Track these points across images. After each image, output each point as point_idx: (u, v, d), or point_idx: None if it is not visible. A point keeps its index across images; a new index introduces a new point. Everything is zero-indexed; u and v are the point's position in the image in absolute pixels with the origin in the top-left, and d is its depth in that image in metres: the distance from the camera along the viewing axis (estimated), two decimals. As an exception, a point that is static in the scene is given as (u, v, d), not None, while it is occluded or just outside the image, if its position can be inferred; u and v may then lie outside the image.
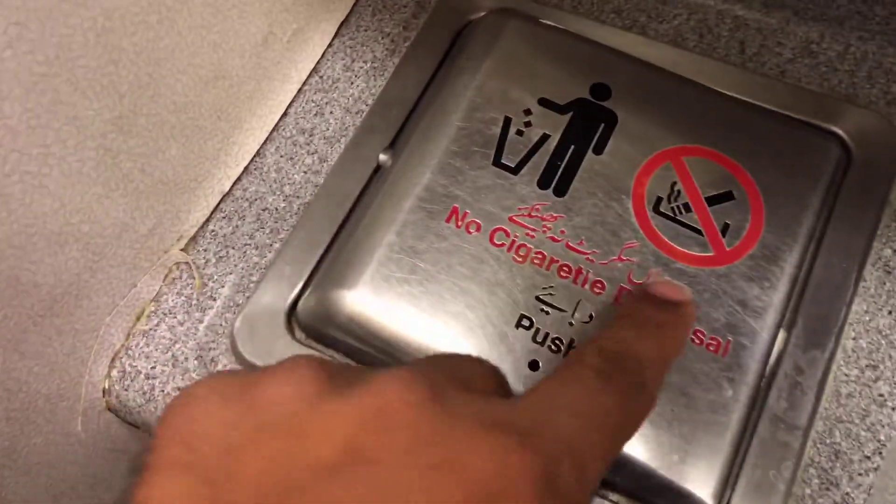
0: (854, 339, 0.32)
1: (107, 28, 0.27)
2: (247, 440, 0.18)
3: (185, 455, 0.18)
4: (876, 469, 0.31)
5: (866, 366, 0.32)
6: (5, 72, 0.24)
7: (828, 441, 0.31)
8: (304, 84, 0.41)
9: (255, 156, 0.39)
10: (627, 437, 0.22)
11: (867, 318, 0.33)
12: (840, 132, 0.36)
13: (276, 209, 0.38)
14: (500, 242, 0.33)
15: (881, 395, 0.31)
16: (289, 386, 0.19)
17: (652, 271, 0.32)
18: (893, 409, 0.31)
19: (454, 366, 0.23)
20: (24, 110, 0.25)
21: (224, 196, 0.38)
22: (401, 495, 0.17)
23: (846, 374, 0.32)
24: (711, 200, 0.34)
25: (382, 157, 0.37)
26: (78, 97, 0.27)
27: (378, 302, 0.32)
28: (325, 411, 0.18)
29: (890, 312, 0.33)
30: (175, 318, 0.36)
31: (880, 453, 0.31)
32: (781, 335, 0.32)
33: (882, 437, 0.31)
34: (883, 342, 0.32)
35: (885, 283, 0.33)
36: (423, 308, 0.32)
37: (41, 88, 0.26)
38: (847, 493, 0.30)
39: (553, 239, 0.33)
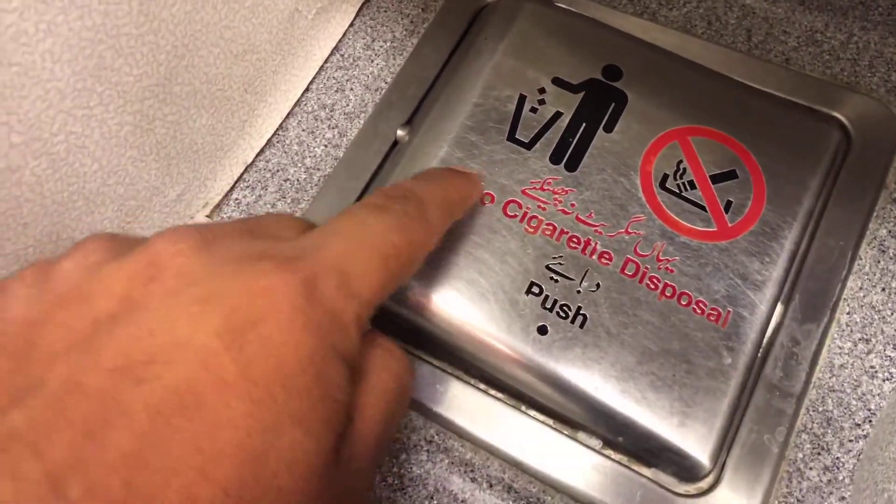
0: (848, 313, 0.34)
1: (148, -2, 0.29)
2: (43, 314, 0.20)
3: None
4: (865, 436, 0.32)
5: (859, 339, 0.34)
6: (58, 36, 0.26)
7: (820, 409, 0.33)
8: (326, 61, 0.42)
9: (278, 129, 0.41)
10: (405, 258, 0.24)
11: (861, 294, 0.34)
12: (841, 117, 0.38)
13: (297, 180, 0.39)
14: (512, 214, 0.34)
15: (872, 367, 0.33)
16: (76, 260, 0.21)
17: None
18: (884, 380, 0.33)
19: (253, 219, 0.25)
20: (73, 73, 0.27)
21: (248, 166, 0.40)
22: (167, 331, 0.19)
23: (840, 347, 0.34)
24: (715, 178, 0.35)
25: (400, 132, 0.39)
26: (121, 63, 0.29)
27: (396, 267, 0.34)
28: (103, 273, 0.20)
29: (883, 289, 0.34)
30: (200, 280, 0.38)
31: (870, 422, 0.32)
32: (779, 308, 0.34)
33: (872, 407, 0.32)
34: (876, 317, 0.34)
35: (879, 262, 0.35)
36: (438, 274, 0.33)
37: (88, 53, 0.27)
38: (837, 458, 0.32)
39: (563, 211, 0.34)
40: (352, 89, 0.42)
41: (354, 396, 0.22)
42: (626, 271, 0.33)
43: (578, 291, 0.33)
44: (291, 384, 0.19)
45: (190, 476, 0.17)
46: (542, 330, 0.33)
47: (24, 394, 0.18)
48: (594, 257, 0.34)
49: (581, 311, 0.33)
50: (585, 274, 0.33)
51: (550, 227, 0.34)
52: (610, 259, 0.34)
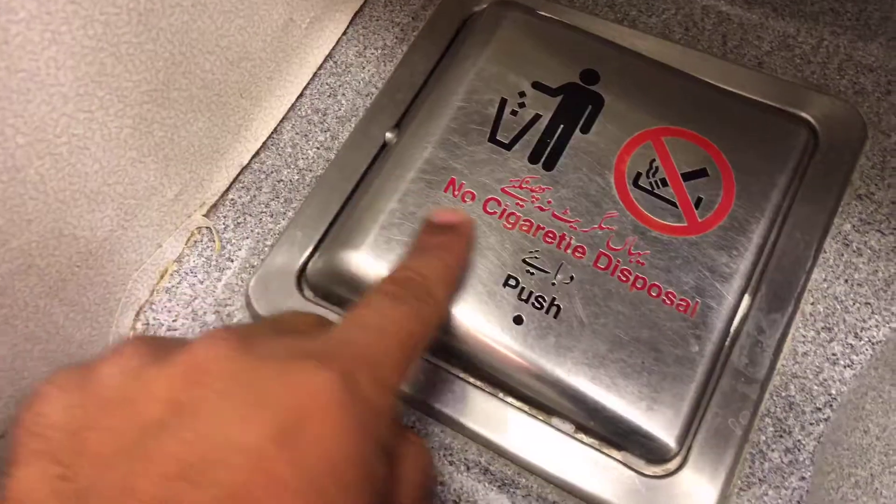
0: (812, 304, 0.36)
1: (148, 9, 0.31)
2: (88, 419, 0.21)
3: (37, 444, 0.21)
4: (826, 420, 0.34)
5: (822, 328, 0.35)
6: (62, 44, 0.28)
7: (783, 394, 0.34)
8: (320, 68, 0.44)
9: (272, 132, 0.43)
10: (419, 340, 0.26)
11: (825, 286, 0.36)
12: (809, 118, 0.39)
13: (291, 181, 0.42)
14: (492, 211, 0.36)
15: (834, 355, 0.35)
16: (116, 364, 0.22)
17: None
18: (845, 366, 0.34)
19: (275, 318, 0.27)
20: (75, 79, 0.29)
21: (243, 168, 0.42)
22: (219, 434, 0.19)
23: (803, 335, 0.35)
24: (687, 176, 0.37)
25: (389, 135, 0.41)
26: (121, 69, 0.31)
27: (380, 261, 0.36)
28: (147, 378, 0.21)
29: (846, 281, 0.36)
30: (196, 276, 0.40)
31: (831, 406, 0.34)
32: (746, 299, 0.35)
33: (833, 392, 0.34)
34: (838, 307, 0.35)
35: (842, 255, 0.36)
36: (421, 267, 0.35)
37: (90, 60, 0.29)
38: (798, 441, 0.33)
39: (540, 208, 0.36)
40: (344, 94, 0.44)
41: (387, 484, 0.23)
42: (598, 264, 0.35)
43: (553, 284, 0.35)
44: (343, 480, 0.20)
45: None
46: (518, 320, 0.34)
47: (76, 500, 0.19)
48: (569, 251, 0.35)
49: (555, 302, 0.34)
50: (560, 267, 0.35)
51: (528, 224, 0.36)
52: (584, 253, 0.35)
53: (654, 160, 0.37)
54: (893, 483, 0.42)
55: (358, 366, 0.22)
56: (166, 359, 0.21)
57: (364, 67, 0.44)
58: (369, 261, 0.36)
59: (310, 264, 0.38)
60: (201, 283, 0.40)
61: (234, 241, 0.40)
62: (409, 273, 0.29)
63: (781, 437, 0.33)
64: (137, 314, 0.39)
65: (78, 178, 0.32)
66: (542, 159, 0.37)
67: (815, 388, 0.34)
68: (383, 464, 0.22)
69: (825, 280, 0.36)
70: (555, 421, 0.34)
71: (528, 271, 0.35)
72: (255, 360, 0.21)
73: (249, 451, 0.19)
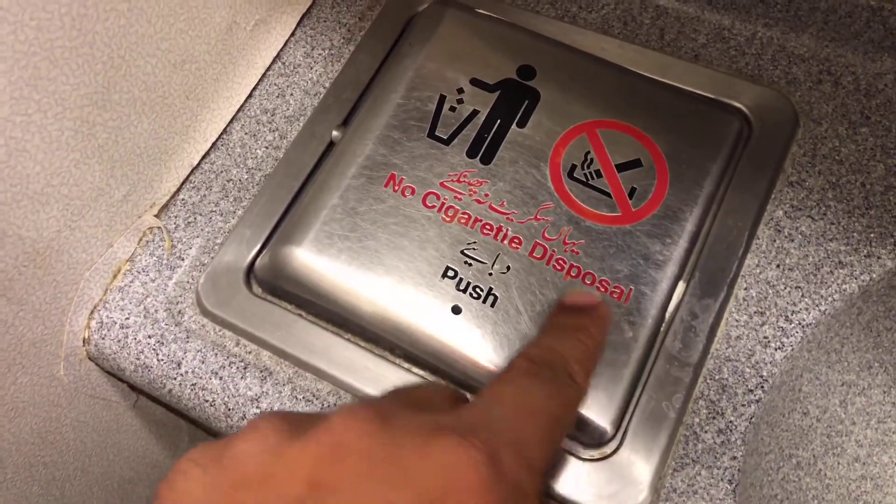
0: (745, 289, 0.37)
1: (81, 14, 0.32)
2: (226, 497, 0.20)
3: None
4: (758, 401, 0.35)
5: (754, 312, 0.36)
6: (-10, 48, 0.28)
7: (716, 377, 0.35)
8: (268, 69, 0.45)
9: (221, 133, 0.43)
10: (565, 423, 0.26)
11: (758, 271, 0.37)
12: (742, 108, 0.40)
13: (240, 180, 0.42)
14: (431, 205, 0.37)
15: (766, 338, 0.36)
16: (253, 441, 0.21)
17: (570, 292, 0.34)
18: (776, 349, 0.35)
19: (408, 391, 0.26)
20: (8, 83, 0.30)
21: (193, 168, 0.42)
22: None
23: (736, 320, 0.36)
24: (621, 167, 0.38)
25: (335, 133, 0.42)
26: (56, 73, 0.32)
27: (321, 256, 0.36)
28: (287, 456, 0.21)
29: (778, 266, 0.37)
30: (147, 275, 0.40)
31: (762, 387, 0.35)
32: (680, 285, 0.36)
33: (764, 374, 0.35)
34: (770, 291, 0.36)
35: (775, 241, 0.37)
36: (362, 261, 0.36)
37: (23, 64, 0.30)
38: (731, 422, 0.34)
39: (478, 201, 0.37)
40: (292, 94, 0.44)
41: None
42: (534, 254, 0.36)
43: (490, 274, 0.36)
44: None
45: None
46: (456, 310, 0.35)
47: None
48: (505, 242, 0.36)
49: (492, 292, 0.35)
50: (497, 258, 0.36)
51: (466, 216, 0.37)
52: (520, 243, 0.36)
53: (588, 152, 0.38)
54: (837, 464, 0.43)
55: (503, 445, 0.21)
56: (305, 436, 0.21)
57: (312, 68, 0.45)
58: (311, 256, 0.37)
59: (257, 261, 0.39)
60: (153, 281, 0.40)
61: (184, 240, 0.41)
62: (546, 351, 0.28)
63: (714, 418, 0.34)
64: (91, 314, 0.40)
65: (19, 179, 0.33)
66: (480, 153, 0.38)
67: (748, 370, 0.35)
68: None
69: (758, 265, 0.37)
70: (494, 408, 0.35)
71: (466, 262, 0.36)
72: (395, 437, 0.21)
73: None
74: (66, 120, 0.33)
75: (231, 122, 0.44)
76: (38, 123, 0.32)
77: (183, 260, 0.41)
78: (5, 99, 0.30)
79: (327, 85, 0.44)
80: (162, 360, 0.38)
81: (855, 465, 0.43)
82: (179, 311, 0.39)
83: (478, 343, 0.34)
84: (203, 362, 0.38)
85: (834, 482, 0.42)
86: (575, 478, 0.34)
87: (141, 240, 0.41)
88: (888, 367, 0.41)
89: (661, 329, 0.36)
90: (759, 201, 0.38)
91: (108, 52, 0.34)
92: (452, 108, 0.39)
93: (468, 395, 0.29)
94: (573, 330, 0.30)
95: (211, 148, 0.43)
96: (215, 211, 0.42)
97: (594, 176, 0.37)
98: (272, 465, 0.21)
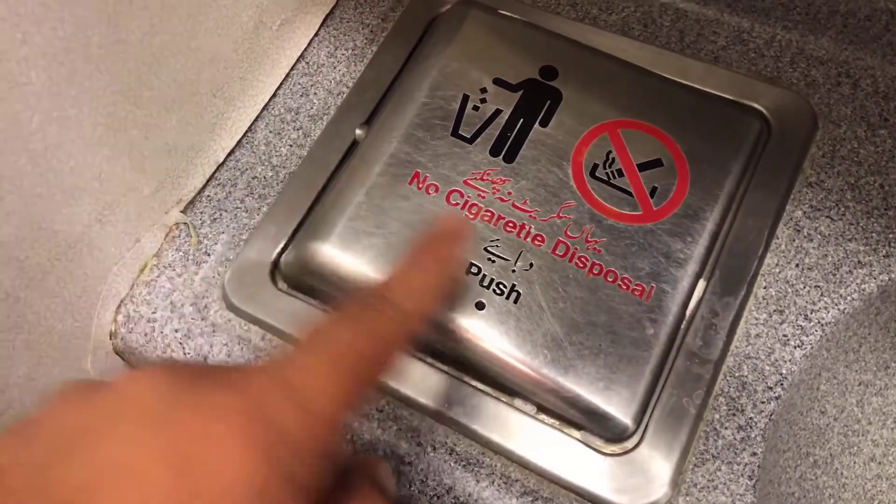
0: (765, 287, 0.37)
1: (117, 11, 0.33)
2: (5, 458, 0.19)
3: None
4: (777, 398, 0.35)
5: (774, 311, 0.37)
6: (33, 45, 0.29)
7: (736, 374, 0.35)
8: (292, 68, 0.46)
9: (246, 131, 0.44)
10: (367, 358, 0.22)
11: (777, 270, 0.37)
12: (762, 109, 0.41)
13: (265, 178, 0.43)
14: (455, 202, 0.38)
15: (785, 336, 0.36)
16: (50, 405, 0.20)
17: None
18: (795, 347, 0.36)
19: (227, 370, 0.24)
20: (47, 78, 0.31)
21: (219, 166, 0.43)
22: (111, 458, 0.18)
23: (756, 318, 0.36)
24: (642, 167, 0.38)
25: (358, 132, 0.42)
26: (92, 69, 0.32)
27: (347, 252, 0.37)
28: (62, 409, 0.20)
29: (797, 265, 0.37)
30: (174, 270, 0.41)
31: (782, 385, 0.35)
32: (701, 283, 0.37)
33: (784, 371, 0.35)
34: (789, 290, 0.37)
35: (794, 241, 0.38)
36: (386, 257, 0.37)
37: (61, 60, 0.31)
38: (751, 418, 0.35)
39: (501, 199, 0.38)
40: (316, 94, 0.45)
41: None
42: (557, 252, 0.36)
43: (513, 271, 0.36)
44: None
45: None
46: (480, 306, 0.36)
47: None
48: (528, 240, 0.37)
49: (515, 288, 0.36)
50: (520, 255, 0.36)
51: (489, 214, 0.37)
52: (542, 241, 0.37)
53: (610, 151, 0.38)
54: (853, 463, 0.43)
55: (274, 390, 0.20)
56: (91, 394, 0.20)
57: (335, 67, 0.46)
58: (337, 252, 0.37)
59: (282, 257, 0.40)
60: (179, 276, 0.41)
61: (210, 236, 0.42)
62: (368, 292, 0.25)
63: (734, 415, 0.35)
64: (118, 308, 0.41)
65: (54, 174, 0.33)
66: (503, 152, 0.39)
67: (767, 367, 0.35)
68: (295, 500, 0.19)
69: (777, 265, 0.37)
70: (517, 402, 0.36)
71: (489, 259, 0.36)
72: (174, 390, 0.20)
73: (137, 475, 0.18)
74: (99, 116, 0.34)
75: (256, 120, 0.44)
76: (74, 119, 0.33)
77: (209, 255, 0.41)
78: (44, 94, 0.31)
79: (350, 84, 0.45)
80: (188, 353, 0.39)
81: (871, 464, 0.43)
82: (205, 306, 0.40)
83: (501, 338, 0.35)
84: (229, 356, 0.39)
85: (850, 481, 0.42)
86: (597, 472, 0.34)
87: (168, 235, 0.42)
88: (905, 367, 0.42)
89: (682, 326, 0.36)
90: (779, 201, 0.39)
91: (141, 50, 0.35)
92: (476, 108, 0.40)
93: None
94: (410, 261, 0.26)
95: (236, 145, 0.44)
96: (240, 207, 0.42)
97: (616, 175, 0.38)
98: (48, 417, 0.20)
